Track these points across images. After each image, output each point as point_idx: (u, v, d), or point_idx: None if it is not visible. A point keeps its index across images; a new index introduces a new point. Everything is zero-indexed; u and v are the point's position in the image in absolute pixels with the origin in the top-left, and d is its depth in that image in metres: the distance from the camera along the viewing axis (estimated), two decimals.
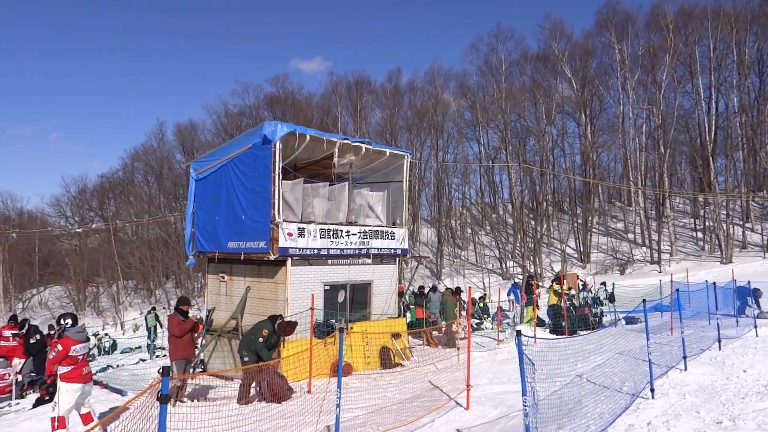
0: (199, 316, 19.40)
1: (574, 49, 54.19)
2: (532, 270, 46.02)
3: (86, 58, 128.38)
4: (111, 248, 63.66)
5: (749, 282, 19.81)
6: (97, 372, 16.67)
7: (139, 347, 26.37)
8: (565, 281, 20.88)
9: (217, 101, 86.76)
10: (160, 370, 4.48)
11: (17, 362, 15.10)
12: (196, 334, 11.75)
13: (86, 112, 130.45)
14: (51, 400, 12.88)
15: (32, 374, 15.35)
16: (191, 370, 12.38)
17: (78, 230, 60.33)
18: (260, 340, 11.12)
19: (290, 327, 11.44)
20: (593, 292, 24.04)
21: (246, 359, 11.23)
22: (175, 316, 11.14)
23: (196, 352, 12.55)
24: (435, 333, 18.04)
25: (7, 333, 16.18)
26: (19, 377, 14.96)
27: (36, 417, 11.32)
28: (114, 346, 28.22)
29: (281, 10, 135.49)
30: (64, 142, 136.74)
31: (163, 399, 4.37)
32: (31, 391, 14.75)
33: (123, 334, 41.24)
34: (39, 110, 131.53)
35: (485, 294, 30.59)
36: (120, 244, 65.82)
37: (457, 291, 21.61)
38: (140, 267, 62.70)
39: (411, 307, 20.40)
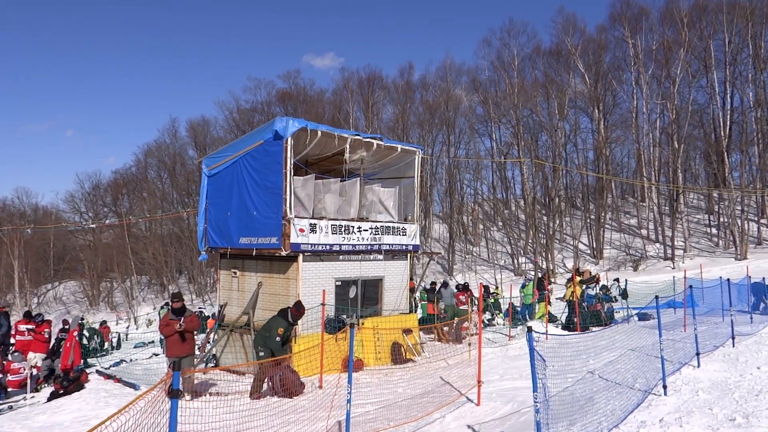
0: (197, 311, 19.40)
1: (587, 43, 53.72)
2: (544, 266, 45.85)
3: (101, 55, 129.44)
4: (124, 244, 64.21)
5: (764, 278, 19.62)
6: (110, 366, 16.82)
7: (153, 342, 26.53)
8: (578, 277, 20.77)
9: (229, 97, 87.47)
10: (171, 365, 4.52)
11: (32, 356, 15.28)
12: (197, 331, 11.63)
13: (101, 109, 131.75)
14: (65, 393, 13.06)
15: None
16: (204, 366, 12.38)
17: (92, 226, 60.74)
18: (277, 338, 11.20)
19: (302, 307, 11.58)
20: (607, 288, 23.86)
21: (261, 354, 11.31)
22: (166, 314, 11.17)
23: (196, 349, 12.46)
24: (446, 328, 18.04)
25: (23, 328, 16.39)
26: (35, 371, 15.14)
27: (50, 411, 11.45)
28: (118, 343, 27.99)
29: (293, 6, 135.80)
30: (79, 139, 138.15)
31: (174, 394, 4.41)
32: (46, 385, 14.92)
33: (137, 329, 41.55)
34: (55, 107, 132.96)
35: (497, 288, 30.53)
36: (133, 239, 66.33)
37: (465, 288, 21.49)
38: (153, 262, 63.14)
39: (422, 303, 20.41)
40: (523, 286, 22.54)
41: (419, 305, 21.06)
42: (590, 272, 25.17)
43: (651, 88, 49.60)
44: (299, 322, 12.14)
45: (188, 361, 11.13)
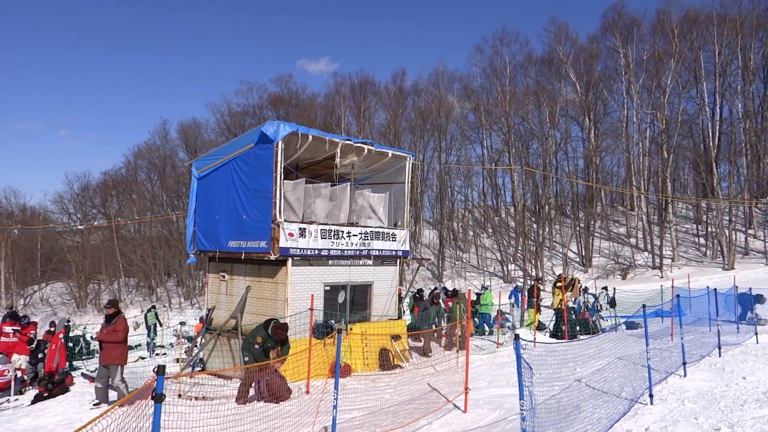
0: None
1: (579, 52, 54.07)
2: (533, 273, 45.96)
3: (97, 55, 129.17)
4: (113, 245, 63.82)
5: (750, 289, 19.75)
6: (95, 369, 16.65)
7: (139, 345, 26.35)
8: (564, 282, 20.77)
9: (221, 100, 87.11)
10: (155, 369, 4.49)
11: (16, 358, 15.12)
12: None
13: (95, 109, 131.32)
14: (50, 396, 12.94)
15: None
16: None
17: (80, 227, 60.29)
18: (256, 346, 11.17)
19: (282, 330, 11.42)
20: (596, 296, 23.88)
21: (246, 359, 11.27)
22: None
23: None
24: (439, 336, 17.97)
25: (8, 329, 16.22)
26: (19, 373, 14.98)
27: (34, 413, 11.35)
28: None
29: (287, 10, 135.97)
30: (72, 139, 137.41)
31: (158, 398, 4.37)
32: (31, 388, 14.78)
33: None
34: (50, 107, 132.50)
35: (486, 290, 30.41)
36: (122, 241, 65.93)
37: (455, 293, 21.44)
38: (142, 265, 62.74)
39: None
40: (479, 296, 21.89)
41: (407, 311, 20.99)
42: (578, 279, 25.18)
43: (641, 98, 50.03)
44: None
45: (113, 371, 11.06)
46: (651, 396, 8.97)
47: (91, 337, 24.51)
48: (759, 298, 19.64)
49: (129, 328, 11.69)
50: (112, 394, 11.37)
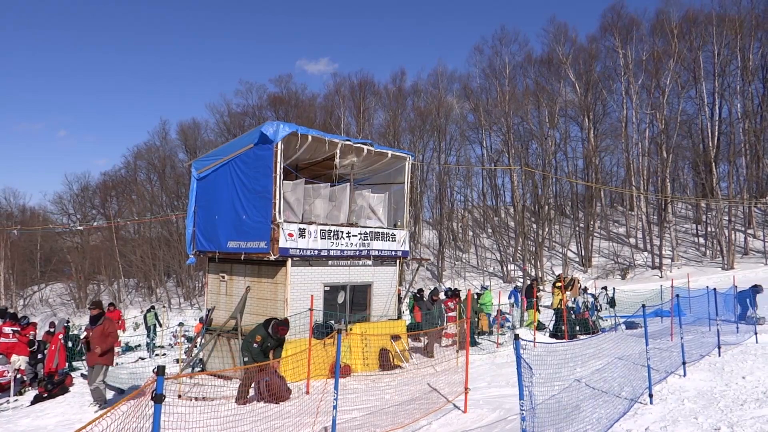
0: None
1: (578, 52, 54.07)
2: (533, 273, 45.96)
3: (96, 55, 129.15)
4: (113, 246, 63.83)
5: (749, 287, 19.71)
6: None
7: (139, 345, 26.35)
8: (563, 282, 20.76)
9: (220, 101, 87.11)
10: (155, 369, 4.48)
11: (15, 359, 15.12)
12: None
13: (94, 110, 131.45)
14: (49, 397, 12.94)
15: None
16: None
17: (80, 228, 60.35)
18: (255, 345, 11.15)
19: (283, 326, 11.38)
20: (595, 296, 23.86)
21: (246, 359, 11.25)
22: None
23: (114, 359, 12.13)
24: (448, 339, 17.92)
25: (7, 330, 16.21)
26: (18, 374, 14.97)
27: (34, 414, 11.35)
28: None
29: (287, 10, 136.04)
30: (71, 139, 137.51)
31: (158, 398, 4.37)
32: (30, 388, 14.77)
33: (123, 332, 41.15)
34: (49, 107, 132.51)
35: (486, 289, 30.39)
36: (122, 242, 65.94)
37: (455, 294, 21.45)
38: (141, 265, 62.75)
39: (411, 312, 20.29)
40: (479, 295, 21.77)
41: (407, 311, 20.97)
42: (577, 279, 25.18)
43: (641, 98, 50.06)
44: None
45: (97, 370, 10.97)
46: (651, 396, 8.97)
47: (78, 337, 24.23)
48: (756, 288, 19.48)
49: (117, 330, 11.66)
50: (109, 394, 11.38)
